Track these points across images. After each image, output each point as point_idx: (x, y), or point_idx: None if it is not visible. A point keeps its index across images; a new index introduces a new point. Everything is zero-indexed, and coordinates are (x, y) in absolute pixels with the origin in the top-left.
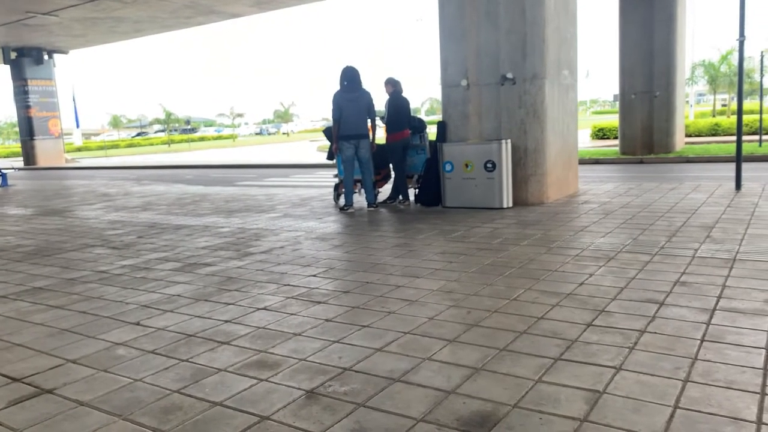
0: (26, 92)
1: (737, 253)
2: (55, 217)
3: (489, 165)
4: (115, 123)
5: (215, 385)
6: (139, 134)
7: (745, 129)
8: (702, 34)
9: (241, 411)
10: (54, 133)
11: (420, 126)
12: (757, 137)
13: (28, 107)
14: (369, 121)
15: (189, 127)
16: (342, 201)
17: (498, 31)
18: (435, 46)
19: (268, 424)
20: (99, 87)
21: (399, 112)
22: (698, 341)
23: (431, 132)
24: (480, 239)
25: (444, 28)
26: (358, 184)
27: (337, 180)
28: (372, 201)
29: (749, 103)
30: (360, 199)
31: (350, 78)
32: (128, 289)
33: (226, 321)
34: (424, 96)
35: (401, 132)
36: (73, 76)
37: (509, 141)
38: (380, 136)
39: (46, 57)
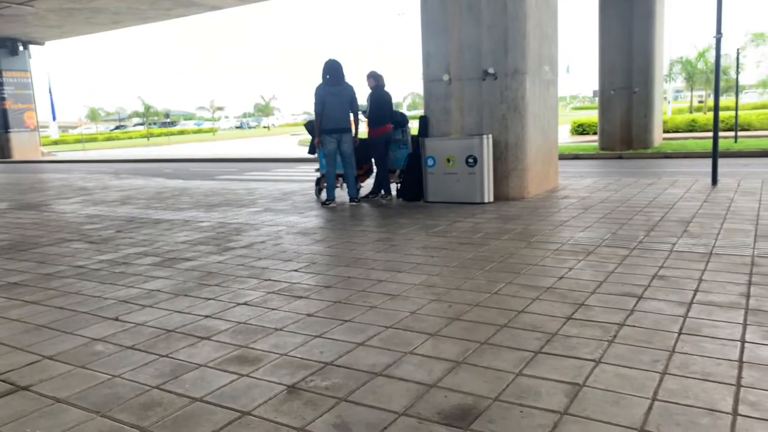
0: (1, 84)
1: (713, 247)
2: (31, 211)
3: (470, 160)
4: (93, 116)
5: (195, 380)
6: (117, 127)
7: (721, 125)
8: (680, 32)
9: (222, 406)
10: (30, 126)
11: (402, 120)
12: (732, 133)
13: (2, 99)
14: (352, 115)
15: (168, 120)
16: (324, 195)
17: (480, 25)
18: (417, 40)
19: (249, 420)
20: (76, 79)
21: (381, 107)
22: (676, 334)
23: (413, 127)
24: (461, 234)
25: (426, 23)
26: (340, 179)
27: (318, 174)
28: (354, 196)
29: (725, 100)
30: (342, 194)
31: (333, 71)
32: (106, 284)
33: (207, 316)
34: (406, 90)
35: (383, 126)
36: (50, 68)
37: (490, 136)
38: (362, 130)
39: (21, 48)
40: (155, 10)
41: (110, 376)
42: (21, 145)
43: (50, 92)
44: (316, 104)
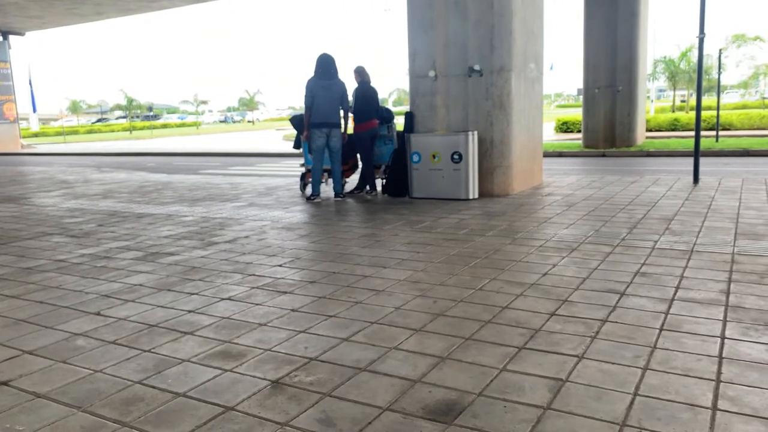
0: None
1: (695, 244)
2: (11, 204)
3: (456, 156)
4: (74, 108)
5: (178, 375)
6: (99, 120)
7: (702, 125)
8: (663, 31)
9: (205, 402)
10: (9, 118)
11: (388, 116)
12: (714, 133)
13: None
14: (342, 111)
15: (151, 113)
16: (308, 191)
17: (466, 22)
18: (403, 36)
19: (233, 415)
20: (57, 71)
21: (367, 102)
22: (657, 330)
23: (399, 123)
24: (446, 230)
25: (413, 19)
26: (325, 174)
27: (303, 170)
28: (339, 191)
29: (707, 100)
30: (327, 189)
31: (325, 65)
32: (88, 278)
33: (190, 311)
34: (392, 86)
35: (369, 122)
36: (30, 59)
37: (476, 132)
38: (348, 125)
39: (0, 38)
40: (138, 2)
41: (92, 371)
42: (0, 137)
43: (30, 83)
44: (306, 97)
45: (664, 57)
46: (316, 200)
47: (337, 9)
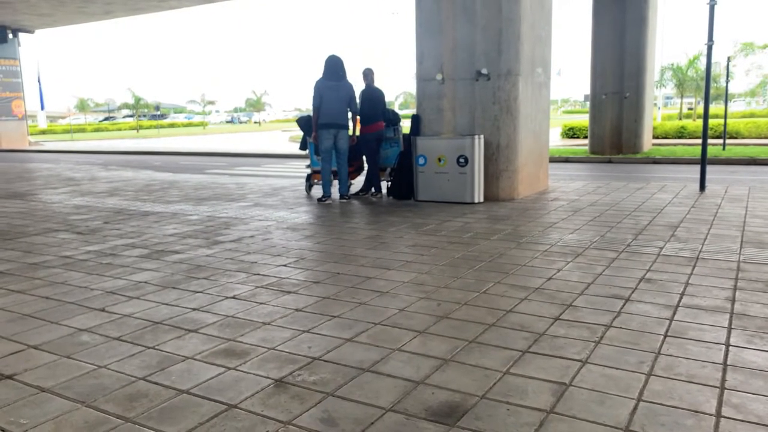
0: None
1: (700, 252)
2: (18, 200)
3: (462, 160)
4: (82, 106)
5: (182, 372)
6: (106, 119)
7: (709, 133)
8: (671, 38)
9: (208, 399)
10: (17, 115)
11: (394, 119)
12: (721, 141)
13: None
14: (350, 113)
15: (158, 113)
16: (315, 192)
17: (474, 26)
18: (411, 39)
19: (236, 413)
20: (66, 69)
21: (374, 105)
22: (661, 336)
23: (405, 125)
24: (451, 233)
25: (420, 22)
26: (331, 176)
27: (309, 171)
28: (345, 192)
29: (714, 108)
30: (332, 191)
31: (333, 67)
32: (93, 275)
33: (194, 309)
34: (399, 89)
35: (375, 124)
36: (39, 57)
37: (482, 136)
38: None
39: (10, 35)
40: (147, 1)
41: (96, 367)
42: (8, 134)
43: (39, 81)
44: (314, 98)
45: (672, 64)
46: (327, 201)
47: (345, 11)
